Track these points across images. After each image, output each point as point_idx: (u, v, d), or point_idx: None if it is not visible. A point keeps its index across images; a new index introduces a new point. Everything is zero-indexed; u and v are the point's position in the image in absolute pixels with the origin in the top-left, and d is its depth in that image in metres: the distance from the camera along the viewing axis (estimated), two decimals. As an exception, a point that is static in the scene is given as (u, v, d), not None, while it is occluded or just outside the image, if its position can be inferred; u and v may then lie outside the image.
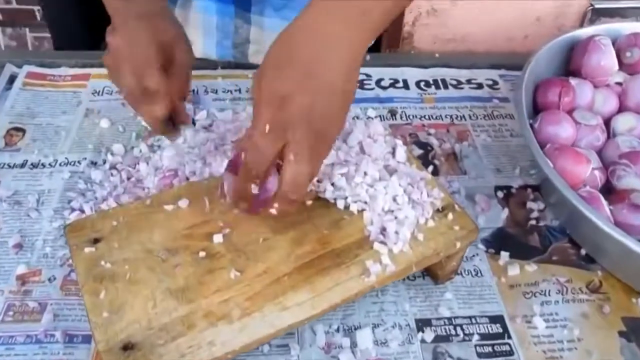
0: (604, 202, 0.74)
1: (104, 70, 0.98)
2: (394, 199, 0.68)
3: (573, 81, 0.89)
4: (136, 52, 0.72)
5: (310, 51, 0.58)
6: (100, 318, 0.58)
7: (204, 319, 0.58)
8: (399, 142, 0.75)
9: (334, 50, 0.58)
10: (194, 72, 0.82)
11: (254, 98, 0.59)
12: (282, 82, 0.57)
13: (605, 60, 0.90)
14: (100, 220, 0.67)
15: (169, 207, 0.68)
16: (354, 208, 0.68)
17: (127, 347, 0.55)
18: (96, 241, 0.65)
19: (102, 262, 0.63)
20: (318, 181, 0.70)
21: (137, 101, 0.74)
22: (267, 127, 0.57)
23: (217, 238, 0.65)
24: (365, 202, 0.68)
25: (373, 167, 0.70)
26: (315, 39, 0.58)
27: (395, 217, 0.67)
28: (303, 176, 0.59)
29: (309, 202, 0.69)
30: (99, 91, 0.98)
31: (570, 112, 0.86)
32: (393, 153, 0.74)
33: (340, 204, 0.69)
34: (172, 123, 0.78)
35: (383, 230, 0.66)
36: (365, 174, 0.70)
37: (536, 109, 0.89)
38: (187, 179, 0.76)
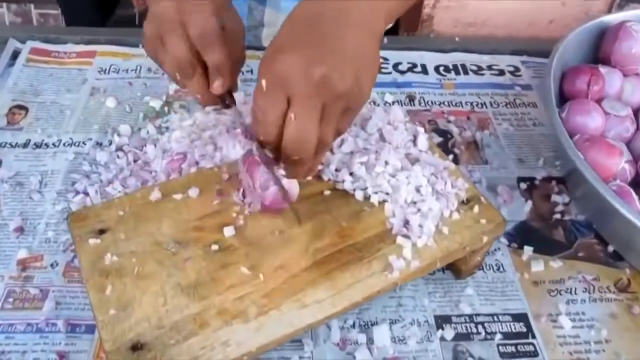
0: (635, 196, 0.72)
1: (110, 48, 0.98)
2: (417, 190, 0.65)
3: (602, 69, 0.85)
4: (190, 18, 0.63)
5: (317, 11, 0.55)
6: (107, 316, 0.55)
7: (218, 317, 0.55)
8: (421, 129, 0.73)
9: (344, 6, 0.55)
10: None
11: None
12: (282, 39, 0.55)
13: (637, 47, 0.86)
14: (105, 209, 0.64)
15: (178, 197, 0.65)
16: (374, 199, 0.65)
17: (136, 347, 0.52)
18: (101, 232, 0.62)
19: (108, 255, 0.60)
20: (336, 170, 0.67)
21: (188, 75, 0.66)
22: (264, 83, 0.54)
23: (228, 231, 0.62)
24: (387, 193, 0.65)
25: (394, 155, 0.67)
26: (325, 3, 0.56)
27: (419, 209, 0.64)
28: (304, 133, 0.54)
29: (327, 193, 0.66)
30: (106, 69, 0.95)
31: (598, 102, 0.82)
32: (414, 141, 0.71)
33: (359, 195, 0.66)
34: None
35: (406, 223, 0.63)
36: (387, 163, 0.67)
37: (562, 98, 0.86)
38: (197, 163, 0.73)
